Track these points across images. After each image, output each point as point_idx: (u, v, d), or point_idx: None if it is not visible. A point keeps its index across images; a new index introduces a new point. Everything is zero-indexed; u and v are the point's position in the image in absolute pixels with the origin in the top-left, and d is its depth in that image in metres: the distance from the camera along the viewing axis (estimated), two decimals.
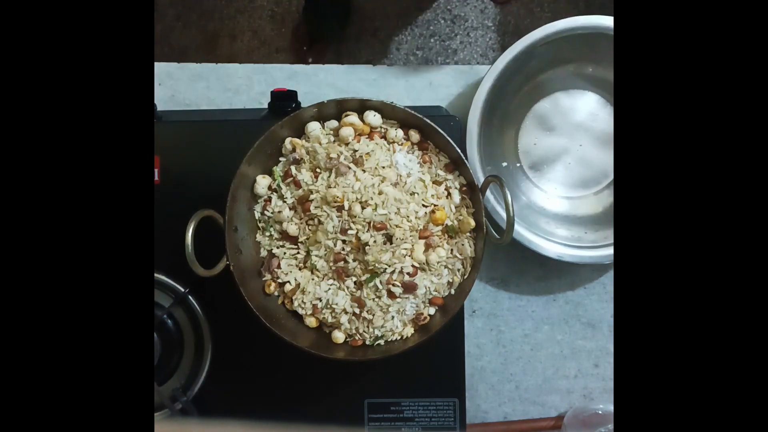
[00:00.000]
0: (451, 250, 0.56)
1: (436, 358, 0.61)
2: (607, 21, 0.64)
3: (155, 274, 0.60)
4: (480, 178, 0.64)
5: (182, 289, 0.60)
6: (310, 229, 0.55)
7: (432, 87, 0.73)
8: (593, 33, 0.64)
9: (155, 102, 0.65)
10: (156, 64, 0.70)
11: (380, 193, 0.53)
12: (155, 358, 0.60)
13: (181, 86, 0.72)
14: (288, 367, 0.61)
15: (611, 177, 0.71)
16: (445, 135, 0.54)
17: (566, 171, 0.71)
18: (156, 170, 0.60)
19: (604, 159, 0.71)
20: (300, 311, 0.56)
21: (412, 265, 0.54)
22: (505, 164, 0.71)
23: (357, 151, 0.55)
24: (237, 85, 0.73)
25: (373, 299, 0.54)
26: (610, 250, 0.66)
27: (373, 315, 0.54)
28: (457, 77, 0.73)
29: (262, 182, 0.56)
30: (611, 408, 0.70)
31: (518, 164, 0.71)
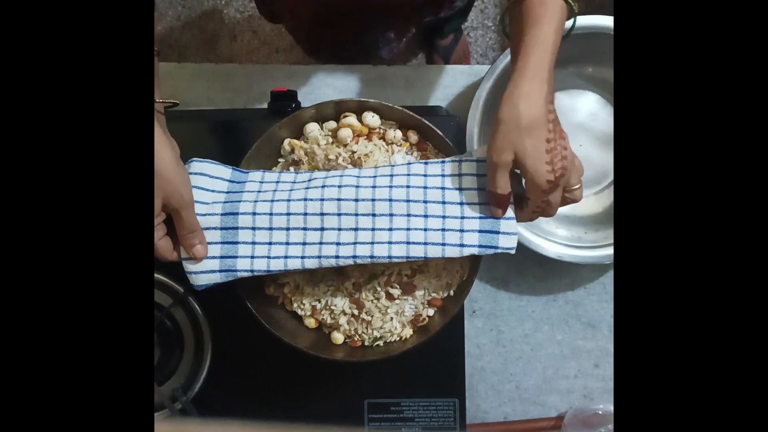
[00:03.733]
0: None
1: (436, 358, 0.61)
2: (607, 21, 0.63)
3: (155, 274, 0.60)
4: None
5: (182, 289, 0.60)
6: None
7: (432, 87, 0.73)
8: (593, 33, 0.64)
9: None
10: None
11: None
12: (155, 358, 0.60)
13: (181, 86, 0.72)
14: (288, 367, 0.61)
15: (611, 177, 0.71)
16: (443, 136, 0.54)
17: None
18: None
19: (604, 159, 0.71)
20: (299, 312, 0.56)
21: (411, 267, 0.54)
22: None
23: (355, 152, 0.54)
24: (237, 85, 0.73)
25: (372, 301, 0.54)
26: (610, 250, 0.66)
27: (372, 316, 0.54)
28: (457, 77, 0.73)
29: None
30: (611, 408, 0.70)
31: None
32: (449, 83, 0.73)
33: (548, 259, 0.66)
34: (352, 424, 0.61)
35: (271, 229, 0.50)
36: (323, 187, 0.50)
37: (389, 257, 0.49)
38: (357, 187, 0.50)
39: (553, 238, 0.67)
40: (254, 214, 0.50)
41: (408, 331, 0.56)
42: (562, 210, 0.71)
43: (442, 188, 0.50)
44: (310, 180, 0.52)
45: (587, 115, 0.71)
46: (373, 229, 0.50)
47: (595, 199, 0.72)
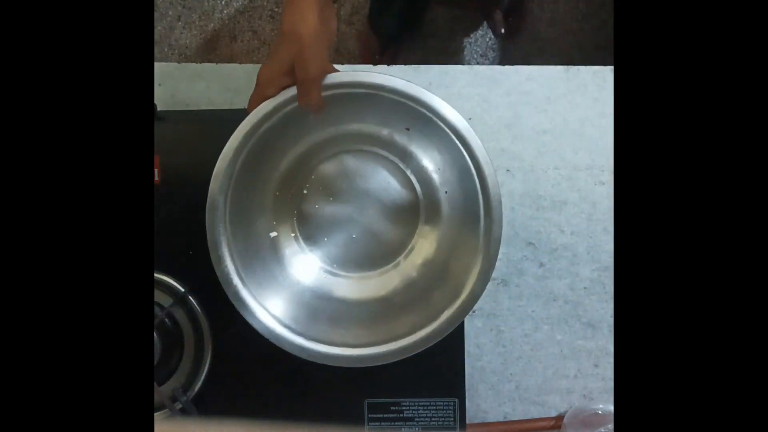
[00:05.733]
0: None
1: (436, 358, 0.61)
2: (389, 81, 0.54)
3: (155, 274, 0.60)
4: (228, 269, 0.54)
5: (182, 289, 0.60)
6: None
7: (432, 87, 0.73)
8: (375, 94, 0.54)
9: (155, 102, 0.65)
10: (156, 64, 0.70)
11: None
12: (155, 358, 0.60)
13: (181, 86, 0.72)
14: (288, 367, 0.61)
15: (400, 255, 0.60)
16: None
17: (350, 246, 0.61)
18: (156, 170, 0.60)
19: (393, 233, 0.60)
20: None
21: None
22: (273, 234, 0.60)
23: None
24: (237, 85, 0.73)
25: None
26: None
27: None
28: (457, 77, 0.73)
29: None
30: (611, 408, 0.70)
31: (292, 234, 0.61)
32: (449, 83, 0.73)
33: (548, 259, 0.66)
34: (352, 424, 0.61)
35: None
36: None
37: None
38: None
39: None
40: None
41: None
42: (349, 293, 0.61)
43: None
44: None
45: (378, 183, 0.60)
46: None
47: (381, 279, 0.62)
